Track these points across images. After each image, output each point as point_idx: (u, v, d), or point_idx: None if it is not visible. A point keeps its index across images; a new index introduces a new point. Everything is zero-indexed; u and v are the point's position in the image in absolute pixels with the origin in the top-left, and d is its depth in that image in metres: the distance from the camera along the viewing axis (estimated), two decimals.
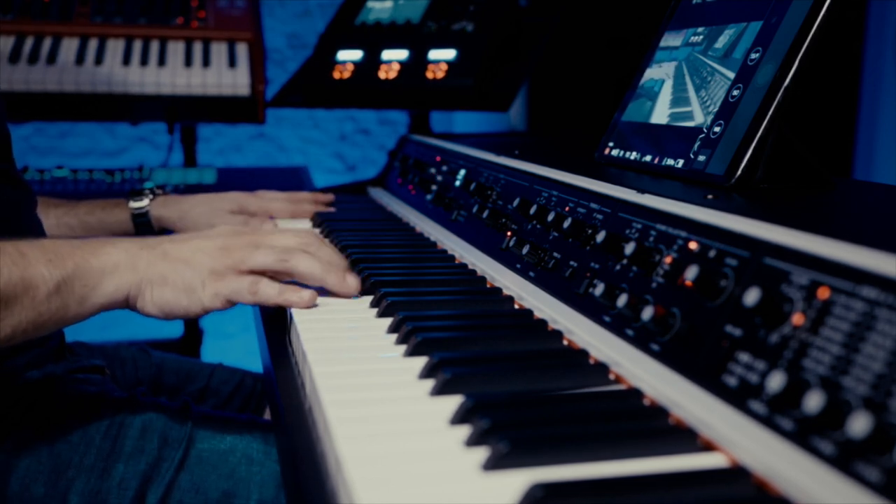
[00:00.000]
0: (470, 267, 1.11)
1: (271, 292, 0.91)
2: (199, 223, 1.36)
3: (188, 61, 2.09)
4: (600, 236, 0.83)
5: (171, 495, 0.98)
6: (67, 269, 0.84)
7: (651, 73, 1.13)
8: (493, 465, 0.56)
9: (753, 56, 0.92)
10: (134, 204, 1.37)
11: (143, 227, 1.38)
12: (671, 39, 1.12)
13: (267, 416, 1.37)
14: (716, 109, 0.95)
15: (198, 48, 2.14)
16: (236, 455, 1.02)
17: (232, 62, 2.12)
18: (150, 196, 1.39)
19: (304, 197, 1.54)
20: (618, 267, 0.81)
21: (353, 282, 0.97)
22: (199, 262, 0.90)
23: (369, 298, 0.97)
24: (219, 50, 2.15)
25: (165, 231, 1.40)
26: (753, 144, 0.87)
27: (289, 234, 0.97)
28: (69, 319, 0.86)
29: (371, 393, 0.70)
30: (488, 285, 1.03)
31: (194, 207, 1.39)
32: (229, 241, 0.93)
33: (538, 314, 0.90)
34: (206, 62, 2.10)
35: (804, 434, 0.52)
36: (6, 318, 0.80)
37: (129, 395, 1.06)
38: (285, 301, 0.91)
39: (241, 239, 0.94)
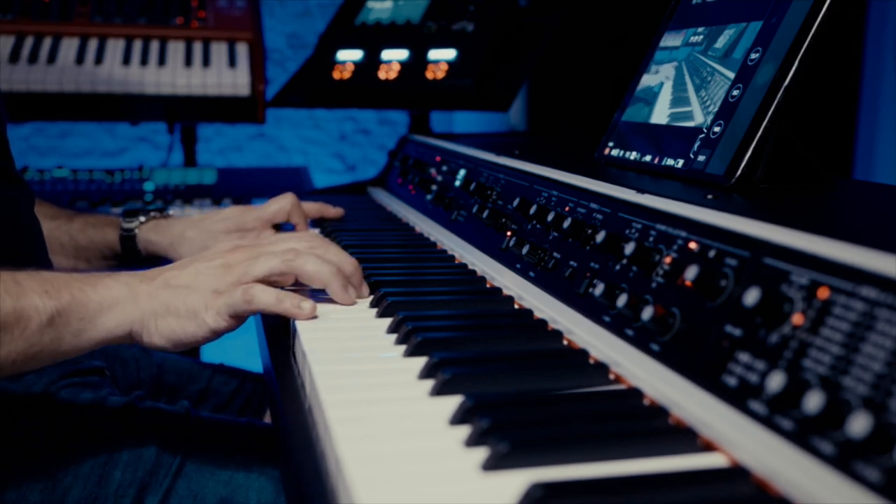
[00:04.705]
0: (470, 267, 1.11)
1: (268, 299, 0.86)
2: (193, 248, 1.27)
3: (188, 61, 2.09)
4: (600, 236, 0.83)
5: (169, 503, 0.97)
6: (63, 300, 0.82)
7: (651, 74, 1.13)
8: (492, 465, 0.56)
9: (753, 56, 0.92)
10: (125, 224, 1.30)
11: (130, 248, 1.30)
12: (671, 39, 1.12)
13: (267, 417, 1.37)
14: (716, 109, 0.95)
15: (198, 48, 2.14)
16: (235, 461, 1.01)
17: (232, 62, 2.12)
18: (143, 217, 1.31)
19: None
20: (618, 267, 0.81)
21: (353, 294, 0.96)
22: (201, 285, 0.87)
23: (369, 298, 0.97)
24: (219, 50, 2.15)
25: (155, 256, 1.31)
26: (753, 144, 0.87)
27: (293, 237, 0.96)
28: (64, 353, 0.83)
29: (371, 393, 0.70)
30: (488, 285, 1.03)
31: (186, 230, 1.29)
32: (229, 258, 0.91)
33: (538, 314, 0.90)
34: (206, 62, 2.10)
35: (804, 434, 0.52)
36: None
37: (127, 402, 1.04)
38: (283, 310, 0.88)
39: (241, 253, 0.92)
